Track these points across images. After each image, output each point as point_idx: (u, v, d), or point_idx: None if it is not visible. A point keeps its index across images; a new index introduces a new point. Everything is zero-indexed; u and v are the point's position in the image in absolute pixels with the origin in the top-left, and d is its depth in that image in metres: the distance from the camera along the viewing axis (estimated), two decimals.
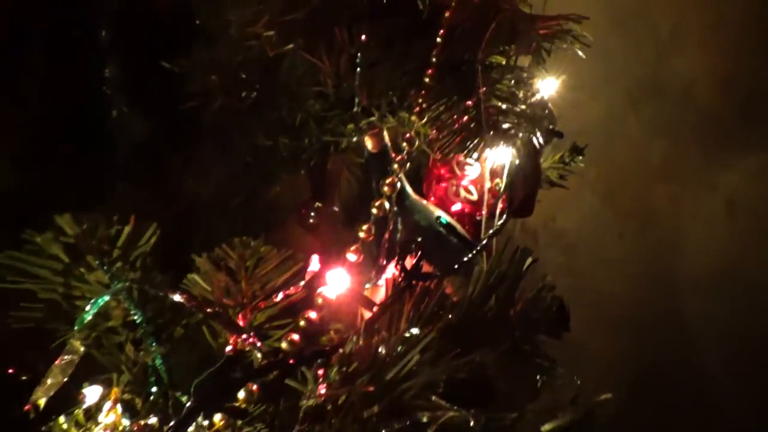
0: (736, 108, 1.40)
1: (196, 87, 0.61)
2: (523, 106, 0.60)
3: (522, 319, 0.56)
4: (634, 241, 1.50)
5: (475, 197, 0.74)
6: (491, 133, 0.58)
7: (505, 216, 0.70)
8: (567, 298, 1.65)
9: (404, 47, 0.58)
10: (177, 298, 0.41)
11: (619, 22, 1.44)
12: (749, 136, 1.39)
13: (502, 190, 0.73)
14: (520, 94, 0.64)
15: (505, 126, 0.58)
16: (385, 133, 0.59)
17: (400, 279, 0.52)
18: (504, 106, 0.59)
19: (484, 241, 0.66)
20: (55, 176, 0.80)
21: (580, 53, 0.72)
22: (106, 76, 0.83)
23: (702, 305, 1.44)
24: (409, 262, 0.55)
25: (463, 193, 0.73)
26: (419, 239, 0.63)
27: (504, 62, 0.60)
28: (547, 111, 0.82)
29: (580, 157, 0.99)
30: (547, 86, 0.95)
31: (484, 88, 0.57)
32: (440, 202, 0.74)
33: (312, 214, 0.90)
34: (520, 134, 0.64)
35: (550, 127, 0.81)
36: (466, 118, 0.57)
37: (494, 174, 0.74)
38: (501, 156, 0.70)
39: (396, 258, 0.56)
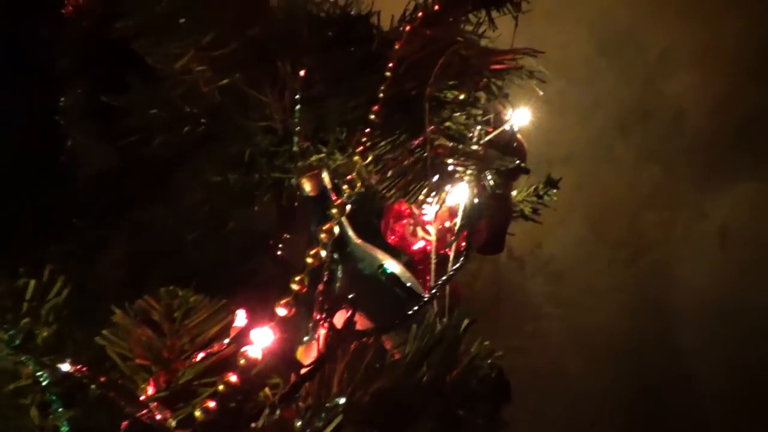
0: (728, 134, 1.36)
1: (135, 121, 0.58)
2: (475, 147, 0.56)
3: (457, 388, 0.51)
4: (624, 269, 1.46)
5: (433, 238, 0.70)
6: (436, 176, 0.53)
7: (462, 259, 0.66)
8: (556, 326, 1.61)
9: (351, 82, 0.54)
10: (65, 367, 0.38)
11: (606, 46, 1.41)
12: (742, 162, 1.36)
13: (457, 230, 0.69)
14: (473, 133, 0.60)
15: (451, 168, 0.53)
16: (325, 175, 0.55)
17: (329, 338, 0.49)
18: (455, 146, 0.55)
19: (433, 291, 0.61)
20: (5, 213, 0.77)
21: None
22: (61, 105, 0.80)
23: (694, 336, 1.40)
24: (341, 318, 0.51)
25: (420, 232, 0.69)
26: (353, 293, 0.58)
27: (456, 97, 0.56)
28: (515, 144, 0.79)
29: (554, 190, 0.95)
30: (520, 117, 0.92)
31: (432, 127, 0.53)
32: (400, 241, 0.71)
33: (280, 245, 0.86)
34: (467, 177, 0.60)
35: (517, 162, 0.78)
36: (411, 158, 0.53)
37: (454, 213, 0.70)
38: (460, 195, 0.67)
39: (325, 314, 0.52)
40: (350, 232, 0.61)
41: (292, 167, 0.55)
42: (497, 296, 1.55)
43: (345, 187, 0.52)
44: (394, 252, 0.71)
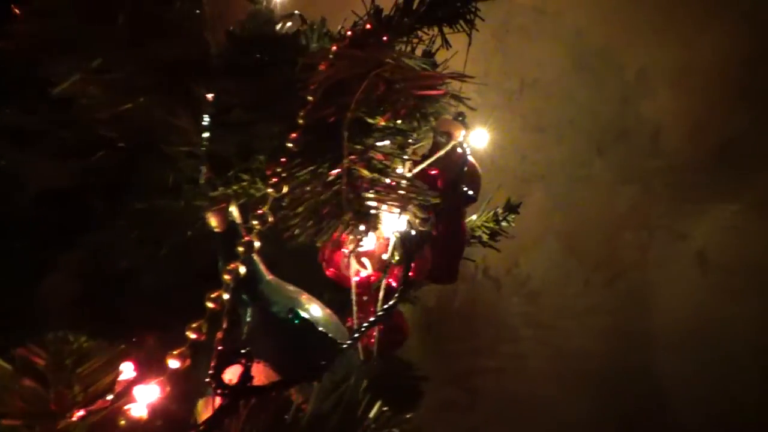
0: (707, 154, 1.33)
1: (47, 145, 0.55)
2: (400, 179, 0.52)
3: None
4: (600, 291, 1.42)
5: (368, 271, 0.66)
6: (351, 212, 0.49)
7: (397, 294, 0.62)
8: (532, 348, 1.57)
9: (274, 106, 0.51)
10: None
11: (583, 63, 1.39)
12: (721, 184, 1.32)
13: (393, 263, 0.65)
14: (402, 166, 0.57)
15: (370, 204, 0.49)
16: (233, 209, 0.52)
17: (220, 394, 0.45)
18: (375, 178, 0.51)
19: (354, 336, 0.57)
20: None
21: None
22: None
23: (670, 362, 1.36)
24: (235, 373, 0.47)
25: (355, 265, 0.66)
26: (260, 339, 0.54)
27: (378, 124, 0.52)
28: (466, 169, 0.76)
29: (513, 216, 0.91)
30: (478, 139, 0.89)
31: (353, 156, 0.49)
32: (338, 274, 0.67)
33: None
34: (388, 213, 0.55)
35: (465, 190, 0.75)
36: (326, 192, 0.49)
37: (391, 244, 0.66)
38: (396, 225, 0.63)
39: (213, 370, 0.47)
40: (262, 270, 0.57)
41: (201, 201, 0.51)
42: (473, 316, 1.52)
43: (255, 222, 0.49)
44: (328, 287, 0.67)
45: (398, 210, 0.50)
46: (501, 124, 1.45)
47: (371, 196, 0.49)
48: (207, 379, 0.45)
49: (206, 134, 0.49)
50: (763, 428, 1.31)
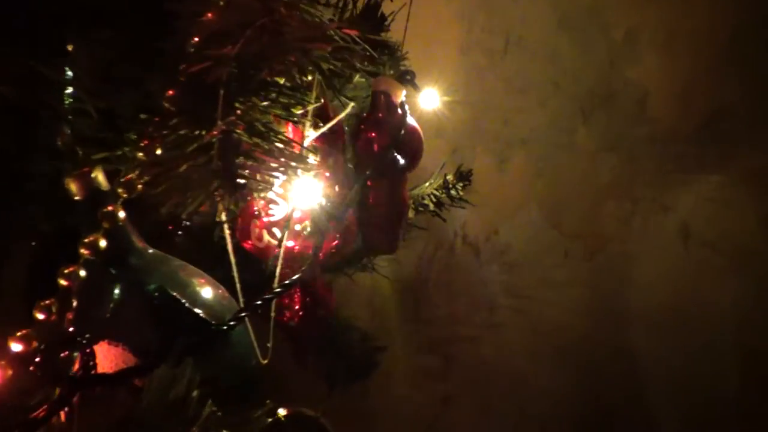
0: (694, 124, 1.26)
1: None
2: (287, 147, 0.47)
3: None
4: (580, 263, 1.37)
5: (274, 241, 0.62)
6: (218, 182, 0.44)
7: (305, 269, 0.58)
8: (509, 318, 1.54)
9: (151, 61, 0.47)
10: None
11: (569, 23, 1.31)
12: (707, 155, 1.25)
13: (305, 235, 0.61)
14: (305, 130, 0.52)
15: (241, 172, 0.44)
16: (98, 174, 0.48)
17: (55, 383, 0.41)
18: (256, 144, 0.46)
19: (233, 319, 0.52)
20: None
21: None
22: None
23: (649, 337, 1.32)
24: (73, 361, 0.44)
25: (266, 236, 0.62)
26: (120, 319, 0.50)
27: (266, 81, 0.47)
28: (402, 132, 0.71)
29: (461, 184, 0.86)
30: (428, 100, 0.84)
31: (233, 118, 0.45)
32: (255, 245, 0.63)
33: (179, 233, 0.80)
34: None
35: (395, 156, 0.70)
36: (199, 159, 0.45)
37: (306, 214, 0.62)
38: (309, 194, 0.59)
39: (44, 356, 0.43)
40: (135, 242, 0.52)
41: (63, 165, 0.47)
42: (450, 283, 1.49)
43: (120, 190, 0.46)
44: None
45: (276, 179, 0.46)
46: (484, 85, 1.39)
47: (243, 163, 0.45)
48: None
49: (69, 90, 0.45)
50: (740, 413, 1.27)
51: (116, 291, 0.49)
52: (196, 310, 0.51)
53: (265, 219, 0.61)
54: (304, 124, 0.55)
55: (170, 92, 0.47)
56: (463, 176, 0.87)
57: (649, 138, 1.28)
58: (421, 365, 1.51)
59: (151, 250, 0.53)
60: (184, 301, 0.51)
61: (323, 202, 0.60)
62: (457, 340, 1.49)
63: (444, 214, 1.41)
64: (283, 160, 0.45)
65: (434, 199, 0.84)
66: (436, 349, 1.50)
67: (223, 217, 0.46)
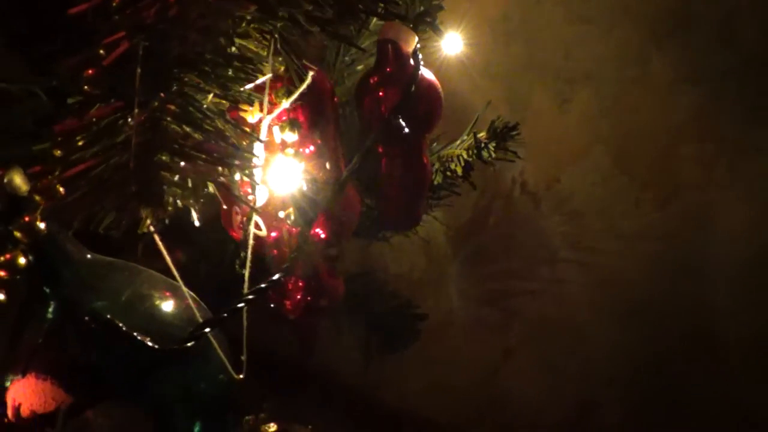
0: None
1: None
2: (222, 136, 0.37)
3: None
4: (652, 213, 1.23)
5: (263, 232, 0.54)
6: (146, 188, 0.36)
7: (286, 267, 0.49)
8: (572, 272, 1.43)
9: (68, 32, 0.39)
10: None
11: None
12: None
13: (289, 224, 0.53)
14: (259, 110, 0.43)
15: (163, 173, 0.36)
16: (15, 176, 0.40)
17: None
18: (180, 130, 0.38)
19: (191, 338, 0.44)
20: None
21: None
22: None
23: (728, 296, 1.17)
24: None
25: (251, 228, 0.54)
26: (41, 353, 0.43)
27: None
28: (413, 89, 0.59)
29: (493, 144, 0.74)
30: (450, 46, 0.72)
31: (165, 95, 0.36)
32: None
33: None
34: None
35: (398, 120, 0.60)
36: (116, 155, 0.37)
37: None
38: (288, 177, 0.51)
39: None
40: (72, 253, 0.46)
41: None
42: (510, 236, 1.38)
43: (38, 197, 0.39)
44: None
45: (206, 177, 0.37)
46: (541, 13, 1.23)
47: (167, 162, 0.37)
48: None
49: None
50: None
51: (49, 313, 0.43)
52: (137, 333, 0.44)
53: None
54: (260, 103, 0.46)
55: (89, 72, 0.39)
56: (498, 133, 0.75)
57: (737, 66, 1.10)
58: (481, 317, 1.44)
59: (92, 259, 0.46)
60: (120, 324, 0.43)
61: (304, 186, 0.52)
62: (518, 294, 1.40)
63: (499, 160, 1.30)
64: (215, 155, 0.37)
65: (462, 162, 0.73)
66: (496, 303, 1.43)
67: (151, 228, 0.38)
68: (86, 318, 0.43)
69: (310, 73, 0.48)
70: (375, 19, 0.72)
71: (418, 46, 0.64)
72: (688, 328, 1.21)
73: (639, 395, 1.31)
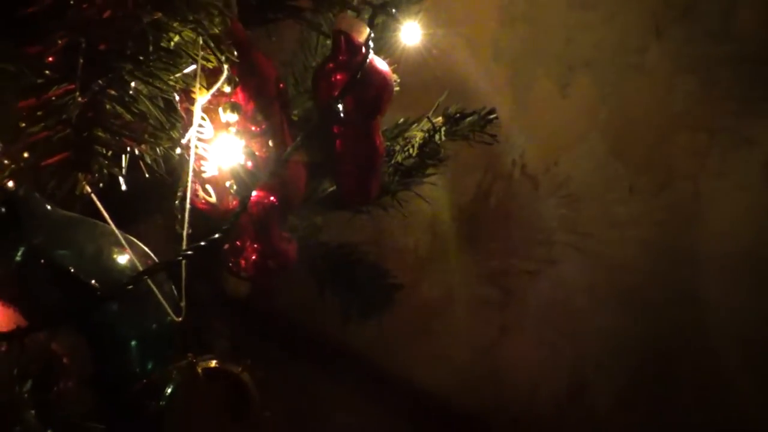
0: None
1: None
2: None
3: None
4: (647, 199, 1.24)
5: (213, 199, 0.61)
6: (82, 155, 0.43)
7: (224, 228, 0.56)
8: (568, 254, 1.46)
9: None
10: None
11: None
12: None
13: (234, 193, 0.59)
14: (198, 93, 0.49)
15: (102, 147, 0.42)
16: None
17: None
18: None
19: (118, 291, 0.51)
20: None
21: None
22: None
23: (719, 285, 1.18)
24: None
25: (201, 193, 0.61)
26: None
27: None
28: (359, 75, 0.64)
29: (445, 129, 0.77)
30: (409, 34, 0.76)
31: (103, 81, 0.43)
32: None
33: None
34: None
35: (337, 107, 0.65)
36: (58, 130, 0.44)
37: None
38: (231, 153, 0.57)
39: None
40: (40, 205, 0.53)
41: None
42: (509, 215, 1.42)
43: (6, 160, 0.47)
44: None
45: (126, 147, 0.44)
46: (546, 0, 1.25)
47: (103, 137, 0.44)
48: None
49: None
50: None
51: (18, 254, 0.52)
52: (88, 278, 0.52)
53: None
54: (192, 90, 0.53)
55: (49, 59, 0.46)
56: (452, 119, 0.79)
57: (733, 58, 1.09)
58: (480, 294, 1.48)
59: (55, 213, 0.54)
60: (72, 269, 0.52)
61: (243, 161, 0.58)
62: (515, 273, 1.44)
63: (501, 142, 1.32)
64: (139, 132, 0.44)
65: (418, 143, 0.77)
66: (495, 281, 1.46)
67: (87, 189, 0.45)
68: (47, 264, 0.52)
69: (226, 67, 0.54)
70: None
71: (372, 35, 0.69)
72: (680, 313, 1.22)
73: (629, 378, 1.34)
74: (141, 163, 0.46)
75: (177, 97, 0.51)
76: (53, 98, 0.46)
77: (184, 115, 0.57)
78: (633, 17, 1.16)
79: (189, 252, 0.55)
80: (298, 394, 1.43)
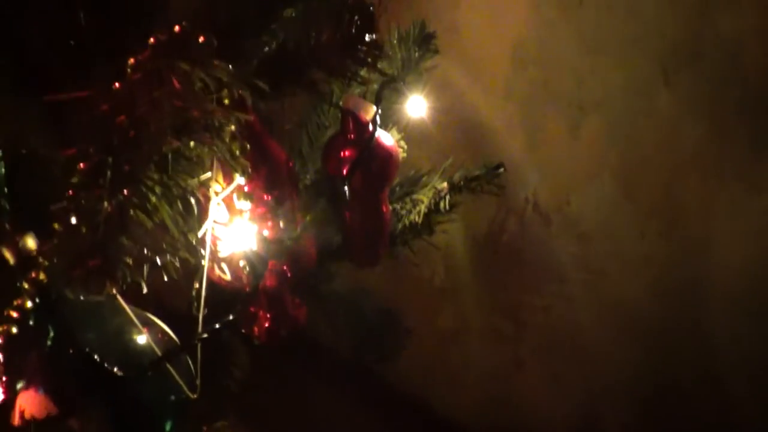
0: None
1: None
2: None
3: None
4: (657, 241, 1.25)
5: (228, 277, 0.64)
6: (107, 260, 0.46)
7: (238, 309, 0.60)
8: (580, 291, 1.47)
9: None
10: None
11: None
12: None
13: (247, 272, 0.63)
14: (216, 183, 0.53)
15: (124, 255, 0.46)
16: (29, 239, 0.52)
17: None
18: None
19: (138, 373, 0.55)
20: None
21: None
22: None
23: (727, 328, 1.18)
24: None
25: (217, 271, 0.65)
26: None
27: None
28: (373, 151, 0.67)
29: (449, 196, 0.80)
30: (414, 108, 0.79)
31: (121, 195, 0.47)
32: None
33: None
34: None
35: (340, 184, 0.68)
36: None
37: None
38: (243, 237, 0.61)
39: None
40: (67, 296, 0.57)
41: None
42: (521, 250, 1.44)
43: (40, 258, 0.51)
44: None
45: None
46: (556, 42, 1.27)
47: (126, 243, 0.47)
48: None
49: None
50: None
51: (49, 340, 0.56)
52: (111, 362, 0.56)
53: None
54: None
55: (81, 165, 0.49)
56: (455, 186, 0.81)
57: (743, 104, 1.09)
58: (494, 326, 1.51)
59: (83, 301, 0.58)
60: (97, 356, 0.56)
61: (254, 246, 0.62)
62: (529, 307, 1.46)
63: (513, 179, 1.35)
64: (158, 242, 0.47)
65: (422, 213, 0.79)
66: (508, 313, 1.49)
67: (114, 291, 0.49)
68: (74, 350, 0.56)
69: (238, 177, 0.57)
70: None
71: (379, 113, 0.72)
72: (690, 350, 1.23)
73: (640, 413, 1.35)
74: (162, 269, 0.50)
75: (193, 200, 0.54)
76: (82, 201, 0.50)
77: (201, 198, 0.61)
78: (642, 62, 1.17)
79: (204, 335, 0.59)
80: (313, 421, 1.46)
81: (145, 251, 0.48)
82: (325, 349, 1.25)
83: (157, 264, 0.49)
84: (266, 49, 0.72)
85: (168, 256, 0.49)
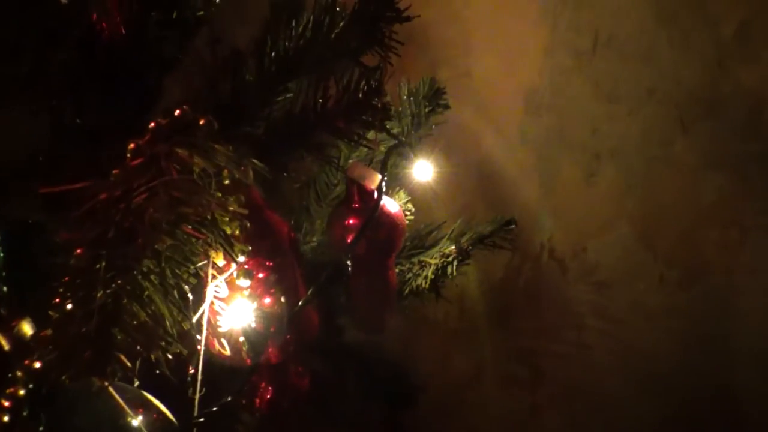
0: None
1: None
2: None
3: None
4: (677, 291, 1.21)
5: (228, 352, 0.63)
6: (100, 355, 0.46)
7: (238, 391, 0.59)
8: (598, 339, 1.43)
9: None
10: None
11: (669, 18, 1.11)
12: None
13: (245, 350, 0.62)
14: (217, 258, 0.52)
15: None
16: (24, 325, 0.52)
17: None
18: None
19: None
20: None
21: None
22: None
23: (751, 380, 1.14)
24: None
25: (217, 346, 0.64)
26: None
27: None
28: (381, 218, 0.66)
29: (456, 262, 0.79)
30: (420, 172, 0.78)
31: (113, 287, 0.46)
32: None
33: None
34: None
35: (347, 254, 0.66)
36: None
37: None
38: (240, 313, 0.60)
39: None
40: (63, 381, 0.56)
41: None
42: (538, 296, 1.41)
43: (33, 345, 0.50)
44: None
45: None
46: (570, 90, 1.26)
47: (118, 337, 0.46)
48: None
49: None
50: None
51: (40, 428, 0.55)
52: None
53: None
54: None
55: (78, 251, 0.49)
56: (464, 252, 0.80)
57: (762, 154, 1.07)
58: (510, 373, 1.47)
59: (77, 388, 0.57)
60: None
61: (253, 324, 0.61)
62: (546, 354, 1.43)
63: (528, 225, 1.32)
64: (145, 336, 0.47)
65: (429, 279, 0.78)
66: (525, 360, 1.46)
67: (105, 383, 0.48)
68: None
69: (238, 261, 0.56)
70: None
71: (385, 180, 0.71)
72: (711, 402, 1.19)
73: None
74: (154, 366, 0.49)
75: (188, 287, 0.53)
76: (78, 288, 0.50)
77: (200, 277, 0.60)
78: (658, 111, 1.15)
79: (201, 419, 0.58)
80: None
81: (138, 348, 0.47)
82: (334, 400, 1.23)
83: (150, 359, 0.48)
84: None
85: (160, 352, 0.48)
